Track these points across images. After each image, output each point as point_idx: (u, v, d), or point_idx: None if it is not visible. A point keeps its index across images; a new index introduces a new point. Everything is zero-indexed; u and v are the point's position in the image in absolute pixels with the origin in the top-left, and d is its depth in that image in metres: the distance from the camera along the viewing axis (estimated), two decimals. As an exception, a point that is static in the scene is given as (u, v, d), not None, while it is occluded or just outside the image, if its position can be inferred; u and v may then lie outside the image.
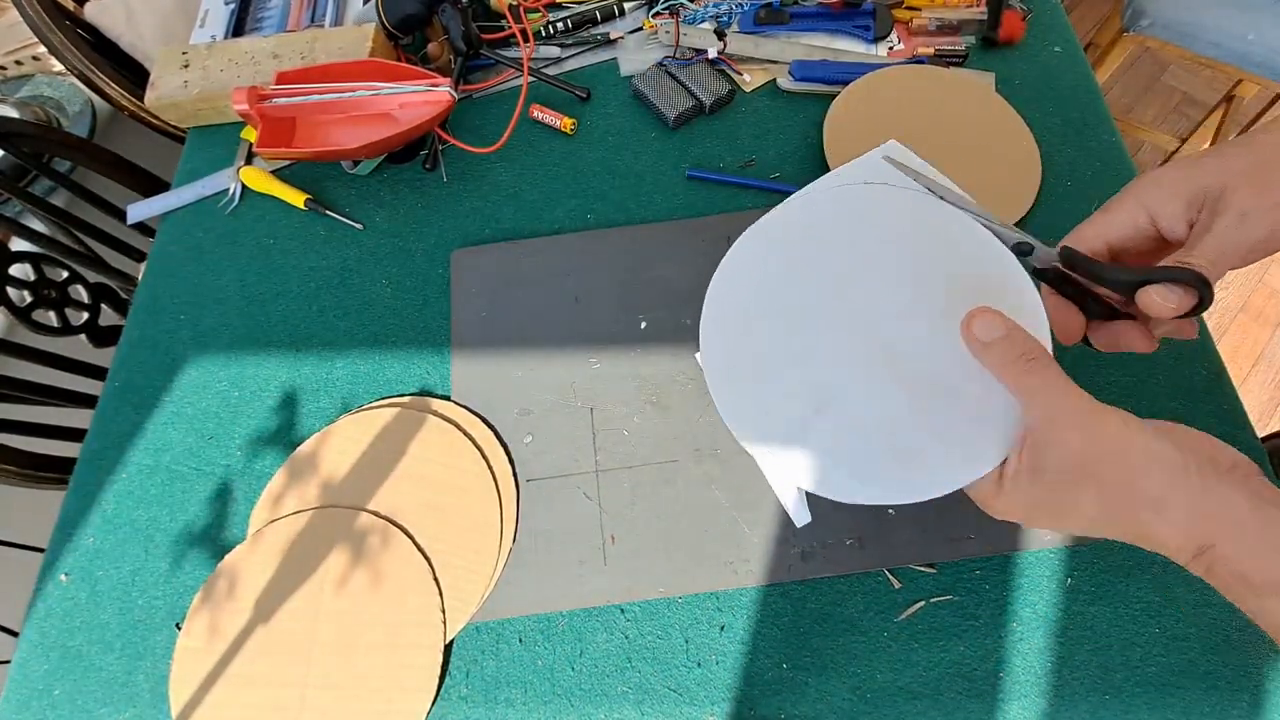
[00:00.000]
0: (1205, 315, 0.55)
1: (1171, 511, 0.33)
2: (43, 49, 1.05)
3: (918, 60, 0.68)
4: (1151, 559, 0.47)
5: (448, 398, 0.56)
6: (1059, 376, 0.34)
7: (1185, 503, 0.33)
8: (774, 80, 0.69)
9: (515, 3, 0.73)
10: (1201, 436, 0.34)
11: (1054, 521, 0.35)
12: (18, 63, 1.50)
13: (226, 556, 0.51)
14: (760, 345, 0.40)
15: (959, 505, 0.48)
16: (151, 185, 0.95)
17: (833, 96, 0.65)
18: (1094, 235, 0.38)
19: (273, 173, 0.69)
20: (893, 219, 0.42)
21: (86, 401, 0.86)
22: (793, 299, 0.41)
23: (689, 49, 0.70)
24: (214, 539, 0.53)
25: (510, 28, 0.71)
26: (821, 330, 0.40)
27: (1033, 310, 0.38)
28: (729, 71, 0.70)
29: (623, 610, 0.48)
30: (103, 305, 0.95)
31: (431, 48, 0.72)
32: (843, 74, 0.67)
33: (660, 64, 0.70)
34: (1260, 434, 0.51)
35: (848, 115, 0.64)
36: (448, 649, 0.48)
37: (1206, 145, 1.28)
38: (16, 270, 0.84)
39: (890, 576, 0.48)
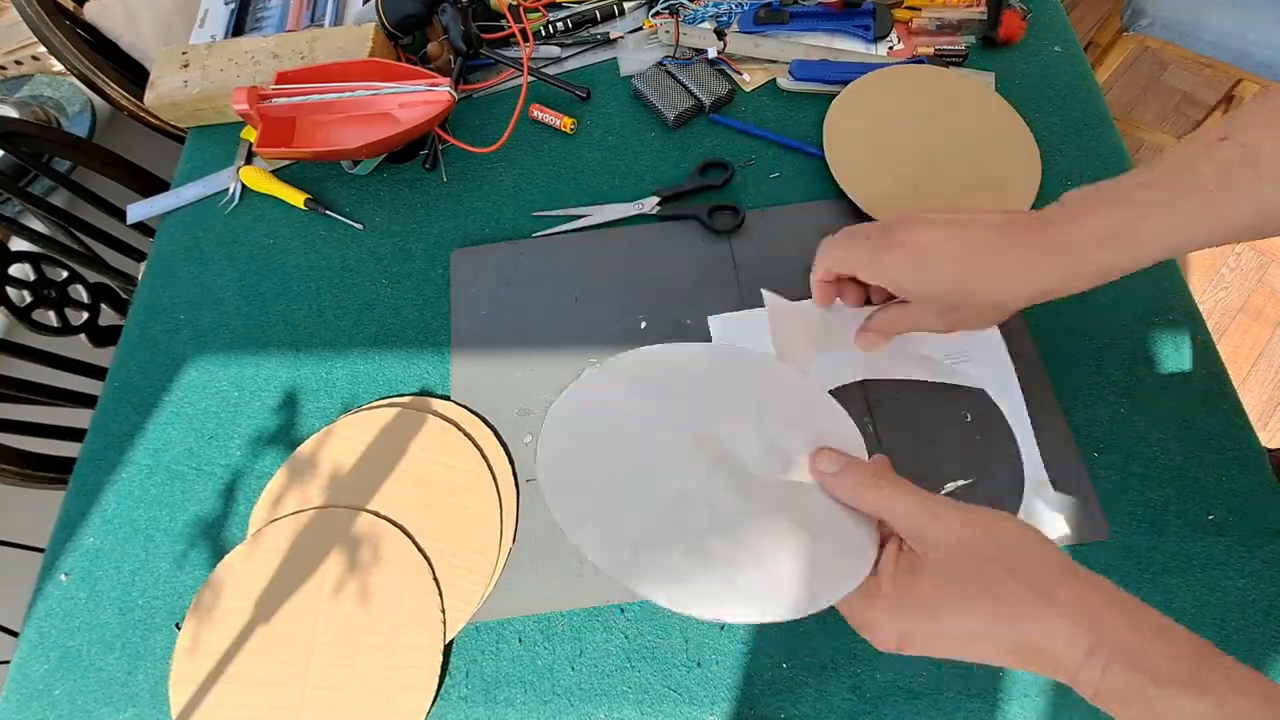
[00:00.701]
0: (1205, 315, 0.55)
1: (1063, 603, 0.32)
2: (43, 49, 1.06)
3: (917, 60, 0.68)
4: (1151, 558, 0.47)
5: (448, 397, 0.56)
6: (908, 483, 0.37)
7: (1074, 593, 0.32)
8: (774, 80, 0.69)
9: (515, 2, 0.73)
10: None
11: (930, 623, 0.34)
12: (18, 63, 1.50)
13: (226, 556, 0.51)
14: (602, 477, 0.40)
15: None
16: (151, 185, 0.95)
17: (833, 96, 0.65)
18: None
19: (273, 172, 0.69)
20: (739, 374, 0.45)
21: (86, 401, 0.86)
22: (638, 437, 0.41)
23: (689, 49, 0.70)
24: (214, 539, 0.53)
25: (510, 27, 0.71)
26: (666, 467, 0.40)
27: (856, 443, 0.42)
28: (729, 71, 0.70)
29: (622, 610, 0.48)
30: (103, 305, 0.95)
31: (431, 47, 0.72)
32: (842, 74, 0.67)
33: (660, 64, 0.70)
34: (1260, 433, 0.51)
35: (847, 116, 0.64)
36: (447, 649, 0.48)
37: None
38: (16, 270, 0.84)
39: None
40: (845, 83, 0.66)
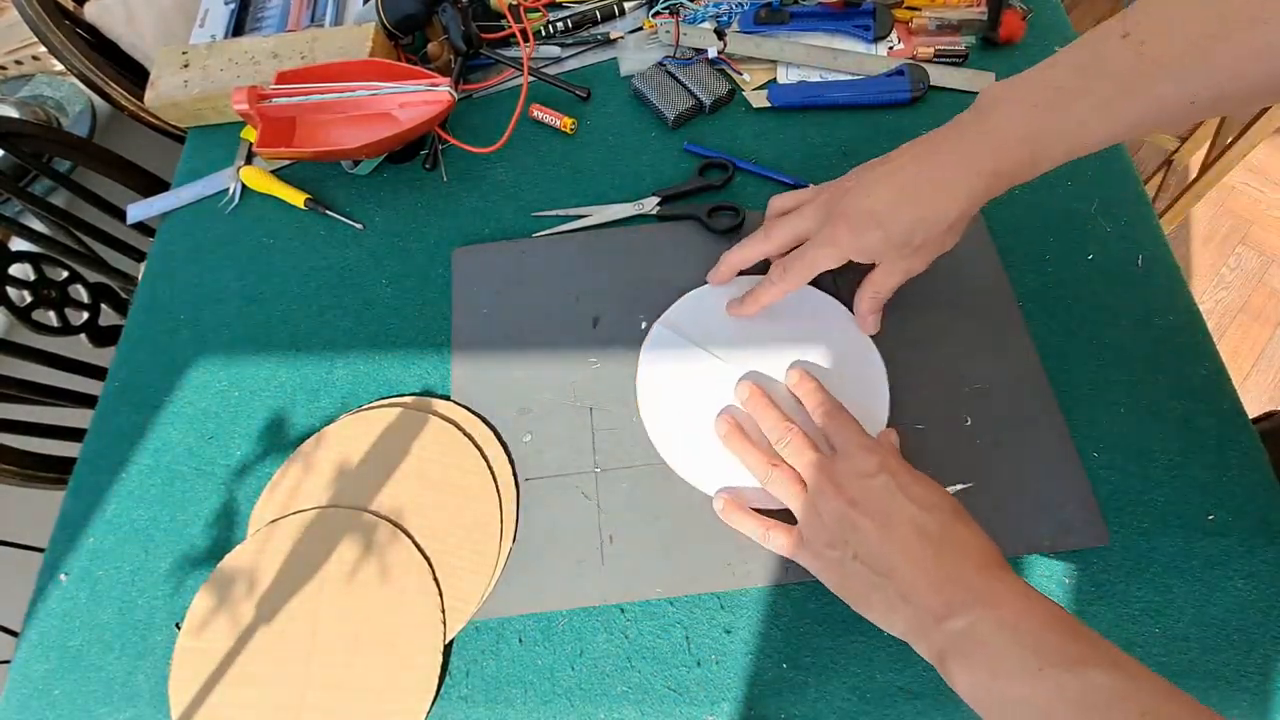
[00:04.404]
0: (1205, 315, 0.55)
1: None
2: (43, 49, 1.05)
3: (917, 61, 0.68)
4: (1151, 558, 0.47)
5: (448, 397, 0.56)
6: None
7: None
8: (774, 80, 0.69)
9: (515, 2, 0.73)
10: None
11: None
12: (18, 63, 1.50)
13: (227, 557, 0.51)
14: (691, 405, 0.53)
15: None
16: (151, 185, 0.95)
17: (817, 114, 0.65)
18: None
19: (273, 172, 0.69)
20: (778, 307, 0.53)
21: (86, 401, 0.86)
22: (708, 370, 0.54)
23: (689, 49, 0.70)
24: (214, 539, 0.53)
25: (510, 27, 0.71)
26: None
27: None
28: (729, 71, 0.70)
29: (623, 610, 0.48)
30: (103, 305, 0.95)
31: (431, 47, 0.72)
32: (820, 95, 0.66)
33: (660, 64, 0.70)
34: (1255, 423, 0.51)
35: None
36: (448, 649, 0.48)
37: (1206, 145, 1.28)
38: (16, 270, 0.84)
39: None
40: (823, 106, 0.66)
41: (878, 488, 0.40)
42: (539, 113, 0.69)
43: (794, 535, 0.45)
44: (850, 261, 0.48)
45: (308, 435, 0.55)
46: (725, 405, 0.52)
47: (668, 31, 0.70)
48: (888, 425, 0.50)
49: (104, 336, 0.93)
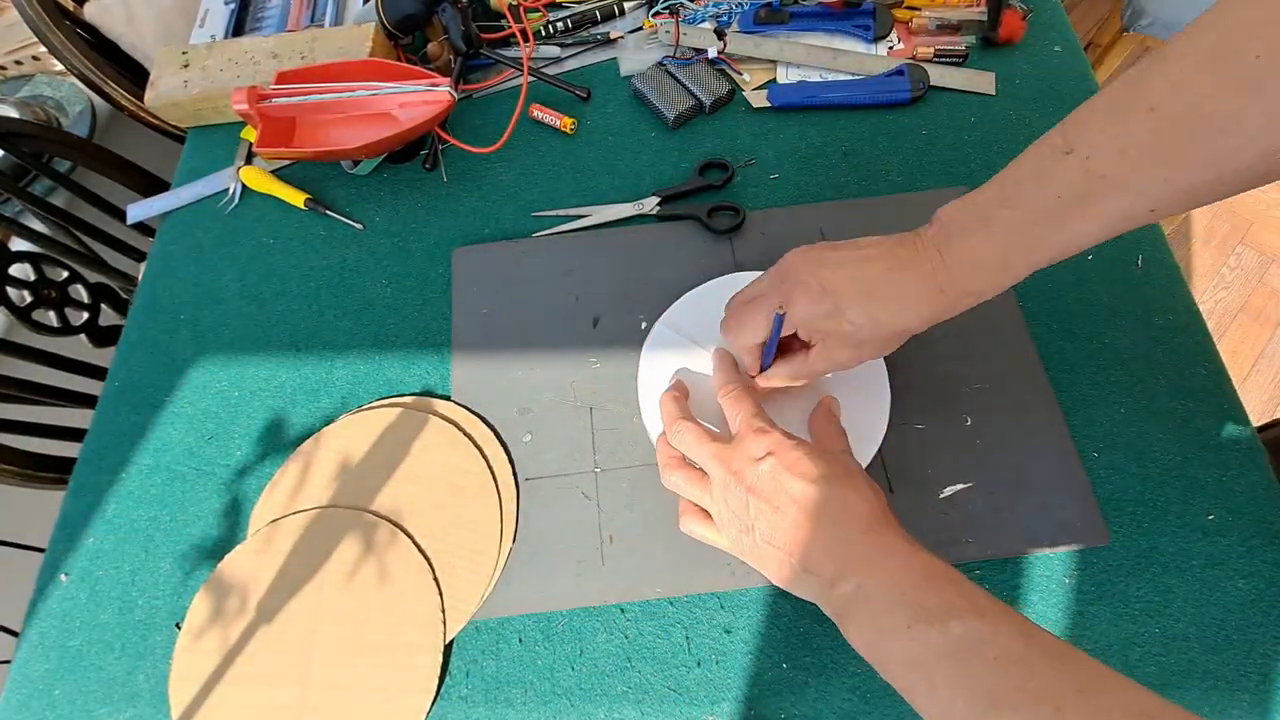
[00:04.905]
0: (1205, 315, 0.55)
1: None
2: (43, 49, 1.05)
3: (917, 61, 0.68)
4: (1151, 558, 0.47)
5: (448, 398, 0.56)
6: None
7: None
8: (774, 80, 0.69)
9: (515, 2, 0.73)
10: None
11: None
12: (18, 63, 1.50)
13: (227, 556, 0.51)
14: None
15: (955, 510, 0.48)
16: (151, 185, 0.95)
17: (817, 115, 0.65)
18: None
19: (273, 172, 0.69)
20: None
21: (86, 401, 0.86)
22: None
23: (689, 49, 0.70)
24: (214, 539, 0.53)
25: (510, 27, 0.71)
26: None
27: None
28: (729, 71, 0.70)
29: (623, 610, 0.48)
30: (103, 305, 0.95)
31: (431, 47, 0.72)
32: (820, 95, 0.66)
33: (660, 64, 0.70)
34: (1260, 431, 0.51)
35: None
36: (448, 648, 0.48)
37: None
38: (16, 270, 0.84)
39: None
40: (825, 106, 0.66)
41: (766, 472, 0.41)
42: (539, 113, 0.69)
43: (712, 522, 0.46)
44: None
45: (307, 435, 0.55)
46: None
47: (668, 31, 0.70)
48: (889, 425, 0.50)
49: (104, 336, 0.93)
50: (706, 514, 0.46)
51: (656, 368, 0.54)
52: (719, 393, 0.49)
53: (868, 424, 0.50)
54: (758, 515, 0.41)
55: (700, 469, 0.46)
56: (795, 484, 0.40)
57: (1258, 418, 1.33)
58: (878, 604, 0.36)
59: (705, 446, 0.45)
